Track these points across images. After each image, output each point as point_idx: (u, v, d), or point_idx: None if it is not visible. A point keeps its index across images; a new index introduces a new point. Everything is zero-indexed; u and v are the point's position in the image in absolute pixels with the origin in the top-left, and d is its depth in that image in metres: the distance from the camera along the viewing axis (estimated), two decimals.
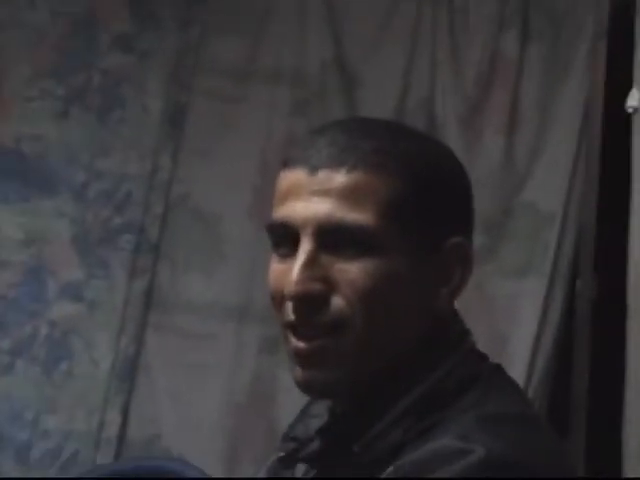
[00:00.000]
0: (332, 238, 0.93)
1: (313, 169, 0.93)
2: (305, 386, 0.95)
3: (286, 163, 0.97)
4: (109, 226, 2.55)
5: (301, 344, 0.93)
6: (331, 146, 0.94)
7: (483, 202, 2.54)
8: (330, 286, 0.93)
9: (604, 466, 1.92)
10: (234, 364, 2.57)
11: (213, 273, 2.57)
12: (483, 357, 1.00)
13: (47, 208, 2.49)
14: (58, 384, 2.47)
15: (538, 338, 2.45)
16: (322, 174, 0.93)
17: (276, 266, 0.96)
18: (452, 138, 2.56)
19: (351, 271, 0.92)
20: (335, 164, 0.93)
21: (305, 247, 0.93)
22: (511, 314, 2.47)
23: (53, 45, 2.53)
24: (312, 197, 0.93)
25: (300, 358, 0.94)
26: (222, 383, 2.56)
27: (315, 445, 0.95)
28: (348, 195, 0.92)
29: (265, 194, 2.60)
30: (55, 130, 2.51)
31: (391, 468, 0.87)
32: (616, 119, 2.10)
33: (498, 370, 1.00)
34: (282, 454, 0.99)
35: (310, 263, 0.93)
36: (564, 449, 0.97)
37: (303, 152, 0.95)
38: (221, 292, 2.57)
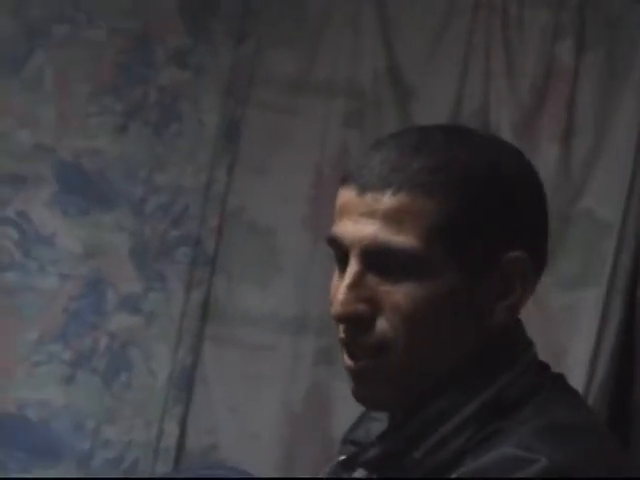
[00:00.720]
0: (378, 260, 0.93)
1: (362, 190, 0.93)
2: (358, 400, 0.97)
3: (343, 179, 0.98)
4: (166, 239, 2.58)
5: (349, 362, 0.95)
6: (382, 164, 0.94)
7: None
8: (375, 308, 0.93)
9: None
10: (290, 375, 2.58)
11: (269, 285, 2.59)
12: (545, 367, 0.99)
13: (106, 222, 2.54)
14: (118, 395, 2.51)
15: (597, 349, 2.43)
16: (370, 195, 0.93)
17: (335, 281, 0.98)
18: None
19: (395, 295, 0.92)
20: (382, 185, 0.93)
21: (352, 269, 0.94)
22: (569, 325, 2.45)
23: (111, 61, 2.58)
24: (360, 218, 0.93)
25: (350, 375, 0.95)
26: (278, 394, 2.58)
27: (376, 450, 0.94)
28: (393, 217, 0.92)
29: (320, 206, 2.62)
30: (114, 145, 2.55)
31: (454, 476, 0.88)
32: None
33: (560, 380, 0.99)
34: (343, 457, 0.99)
35: (356, 285, 0.93)
36: (628, 459, 0.97)
37: (357, 170, 0.95)
38: (277, 304, 2.59)
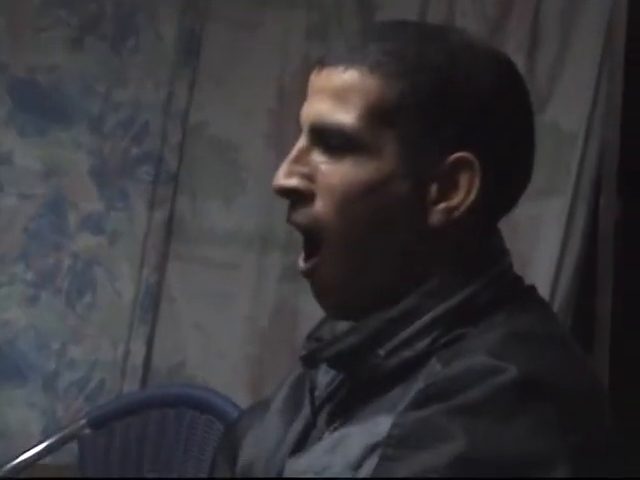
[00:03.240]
0: (321, 137, 0.92)
1: (321, 68, 0.93)
2: (322, 307, 0.96)
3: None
4: (127, 157, 2.53)
5: (299, 264, 0.94)
6: (345, 46, 0.93)
7: None
8: (314, 186, 0.92)
9: (627, 384, 1.92)
10: (256, 292, 2.58)
11: (233, 202, 2.56)
12: (518, 279, 0.98)
13: (64, 140, 2.48)
14: (82, 315, 2.49)
15: (561, 259, 2.44)
16: (324, 72, 0.92)
17: None
18: None
19: (332, 174, 0.91)
20: (336, 63, 0.92)
21: (298, 144, 0.93)
22: (533, 235, 2.45)
23: None
24: (314, 95, 0.93)
25: (306, 279, 0.95)
26: (245, 311, 2.57)
27: (339, 345, 0.93)
28: (340, 94, 0.91)
29: (282, 121, 2.58)
30: (69, 60, 2.48)
31: (421, 385, 0.87)
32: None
33: (531, 291, 0.98)
34: (304, 353, 0.98)
35: (298, 159, 0.93)
36: (594, 369, 0.97)
37: (326, 52, 0.96)
38: (241, 221, 2.57)
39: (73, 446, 2.01)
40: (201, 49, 2.60)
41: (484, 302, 0.92)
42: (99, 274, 2.51)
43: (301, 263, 0.95)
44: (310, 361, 0.98)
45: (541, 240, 2.45)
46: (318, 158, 0.92)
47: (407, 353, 0.91)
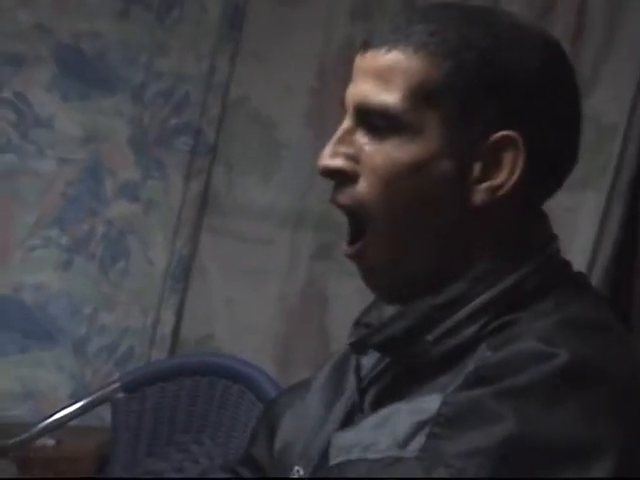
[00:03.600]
0: (366, 118, 0.92)
1: (365, 49, 0.93)
2: (371, 289, 0.96)
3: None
4: (166, 127, 2.54)
5: (344, 248, 0.94)
6: (389, 27, 0.93)
7: None
8: (359, 166, 0.92)
9: None
10: (288, 269, 2.58)
11: (270, 178, 2.57)
12: (566, 264, 0.97)
13: (105, 107, 2.49)
14: (114, 282, 2.51)
15: (595, 252, 2.43)
16: (368, 54, 0.92)
17: None
18: None
19: (376, 155, 0.91)
20: (380, 44, 0.92)
21: (344, 125, 0.93)
22: (568, 227, 2.43)
23: None
24: (358, 77, 0.93)
25: (353, 262, 0.95)
26: (275, 288, 2.58)
27: (388, 331, 0.93)
28: (384, 75, 0.91)
29: (323, 99, 2.58)
30: (114, 28, 2.49)
31: (472, 367, 0.87)
32: None
33: (581, 277, 0.98)
34: (353, 339, 0.98)
35: (343, 140, 0.92)
36: None
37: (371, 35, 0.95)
38: (277, 197, 2.57)
39: (100, 410, 2.04)
40: (244, 24, 2.60)
41: (532, 288, 0.92)
42: (133, 242, 2.52)
43: (345, 247, 0.95)
44: (359, 347, 0.98)
45: (575, 233, 2.44)
46: (362, 139, 0.92)
47: (455, 340, 0.90)
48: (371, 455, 0.87)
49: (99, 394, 1.72)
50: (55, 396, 2.40)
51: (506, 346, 0.86)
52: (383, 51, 0.91)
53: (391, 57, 0.91)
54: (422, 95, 0.90)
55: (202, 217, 2.57)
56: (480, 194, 0.91)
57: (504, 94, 0.90)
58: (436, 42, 0.90)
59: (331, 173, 0.93)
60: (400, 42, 0.91)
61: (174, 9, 2.54)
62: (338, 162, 0.92)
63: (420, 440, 0.84)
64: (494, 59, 0.90)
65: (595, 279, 2.40)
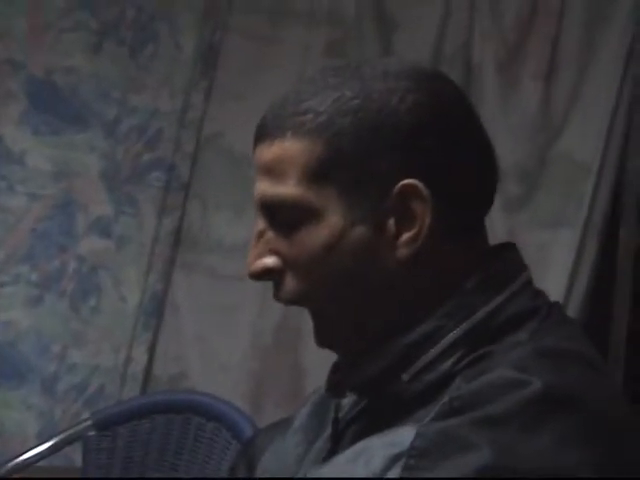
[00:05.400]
0: (271, 215, 0.92)
1: (254, 145, 0.93)
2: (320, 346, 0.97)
3: None
4: (139, 162, 2.53)
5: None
6: (267, 114, 0.92)
7: (518, 150, 2.51)
8: (283, 262, 0.92)
9: None
10: (261, 306, 2.56)
11: (243, 214, 2.55)
12: (540, 293, 0.96)
13: (78, 142, 2.47)
14: (85, 319, 2.47)
15: (569, 289, 2.43)
16: (257, 150, 0.93)
17: None
18: (489, 85, 2.52)
19: (292, 249, 0.91)
20: (262, 138, 0.92)
21: (255, 228, 0.94)
22: (543, 264, 2.44)
23: None
24: (256, 176, 0.93)
25: None
26: (248, 325, 2.56)
27: (362, 374, 0.93)
28: (273, 169, 0.91)
29: None
30: (88, 63, 2.48)
31: (446, 399, 0.86)
32: None
33: (556, 307, 0.97)
34: (328, 384, 0.97)
35: (259, 242, 0.93)
36: (622, 395, 0.95)
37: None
38: (251, 233, 2.55)
39: (70, 451, 1.99)
40: (219, 60, 2.60)
41: (505, 319, 0.91)
42: (104, 279, 2.49)
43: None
44: (335, 391, 0.98)
45: (551, 269, 2.45)
46: (275, 236, 0.92)
47: (431, 376, 0.90)
48: None
49: (70, 432, 1.69)
50: (23, 435, 2.35)
51: (480, 377, 0.86)
52: (267, 144, 0.91)
53: (274, 149, 0.91)
54: (312, 176, 0.90)
55: (175, 253, 2.54)
56: (402, 248, 0.91)
57: (389, 147, 0.90)
58: (310, 119, 0.90)
59: (259, 276, 0.93)
60: (278, 130, 0.91)
61: (148, 45, 2.54)
62: (262, 264, 0.92)
63: (395, 472, 0.84)
64: (369, 117, 0.90)
65: (570, 315, 2.40)
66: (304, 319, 2.75)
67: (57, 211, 2.46)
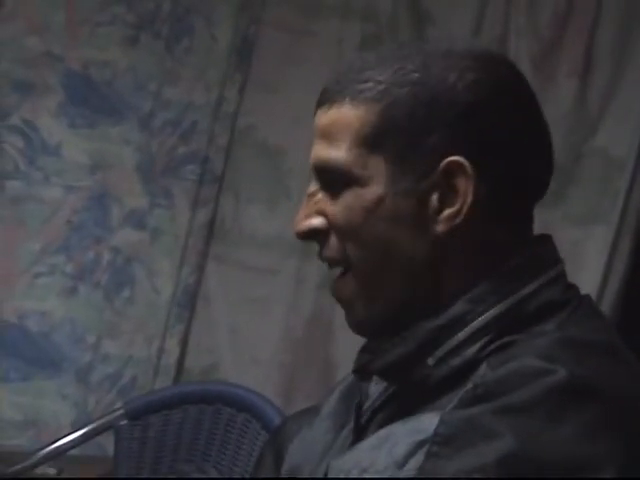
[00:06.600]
0: (323, 178, 0.95)
1: (315, 108, 0.96)
2: (352, 328, 0.97)
3: None
4: (173, 155, 2.54)
5: (332, 289, 0.96)
6: (331, 80, 0.95)
7: (553, 146, 2.49)
8: (328, 223, 0.94)
9: None
10: (293, 299, 2.57)
11: (276, 207, 2.56)
12: (572, 286, 0.96)
13: (113, 135, 2.49)
14: (119, 310, 2.49)
15: (602, 286, 2.42)
16: (317, 115, 0.96)
17: None
18: None
19: (337, 211, 0.93)
20: (321, 102, 0.95)
21: (308, 190, 0.96)
22: (576, 261, 2.43)
23: None
24: (314, 139, 0.97)
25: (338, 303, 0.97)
26: (280, 317, 2.57)
27: (388, 357, 0.93)
28: (328, 133, 0.94)
29: None
30: (124, 56, 2.50)
31: (470, 385, 0.86)
32: None
33: (586, 299, 0.96)
34: (355, 367, 0.97)
35: (308, 203, 0.95)
36: None
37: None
38: (283, 226, 2.56)
39: (102, 440, 2.01)
40: (254, 54, 2.61)
41: (534, 308, 0.91)
42: (138, 270, 2.51)
43: (331, 289, 0.97)
44: (362, 374, 0.98)
45: (584, 266, 2.43)
46: (324, 199, 0.95)
47: (456, 361, 0.90)
48: (369, 476, 0.86)
49: (102, 420, 1.70)
50: (57, 425, 2.38)
51: (505, 364, 0.86)
52: (325, 108, 0.95)
53: (332, 113, 0.94)
54: (363, 143, 0.92)
55: (208, 246, 2.56)
56: (442, 224, 0.91)
57: (442, 122, 0.91)
58: (369, 87, 0.92)
59: (305, 235, 0.95)
60: (338, 95, 0.93)
61: (184, 38, 2.56)
62: (308, 224, 0.95)
63: (418, 459, 0.84)
64: (425, 90, 0.91)
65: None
66: (335, 313, 2.77)
67: (92, 203, 2.48)
